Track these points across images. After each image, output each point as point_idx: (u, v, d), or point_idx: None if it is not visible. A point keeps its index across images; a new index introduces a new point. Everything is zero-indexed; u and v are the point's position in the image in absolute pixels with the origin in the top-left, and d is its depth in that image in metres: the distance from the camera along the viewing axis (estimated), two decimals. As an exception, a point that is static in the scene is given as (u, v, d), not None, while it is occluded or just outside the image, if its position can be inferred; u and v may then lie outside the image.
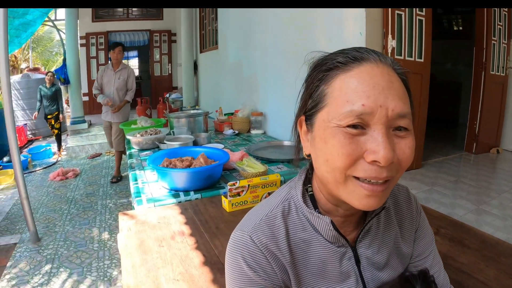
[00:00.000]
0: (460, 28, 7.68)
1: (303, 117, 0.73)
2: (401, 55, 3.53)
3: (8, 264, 3.32)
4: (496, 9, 4.84)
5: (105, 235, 3.74)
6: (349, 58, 0.65)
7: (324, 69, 0.68)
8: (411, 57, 3.68)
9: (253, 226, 0.75)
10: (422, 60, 3.80)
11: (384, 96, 0.61)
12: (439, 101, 7.19)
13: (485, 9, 4.72)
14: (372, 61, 0.64)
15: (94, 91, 5.28)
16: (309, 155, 0.75)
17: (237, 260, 0.73)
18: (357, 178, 0.62)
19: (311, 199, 0.78)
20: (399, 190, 0.91)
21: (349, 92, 0.62)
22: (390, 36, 3.23)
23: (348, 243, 0.77)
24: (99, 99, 5.20)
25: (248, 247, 0.72)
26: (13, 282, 3.01)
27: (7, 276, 3.11)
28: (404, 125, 0.62)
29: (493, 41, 4.92)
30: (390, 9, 3.10)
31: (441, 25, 7.90)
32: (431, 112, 7.14)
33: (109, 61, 5.33)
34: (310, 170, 0.81)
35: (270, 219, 0.75)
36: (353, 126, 0.60)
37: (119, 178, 5.70)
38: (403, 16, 3.36)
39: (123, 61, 5.38)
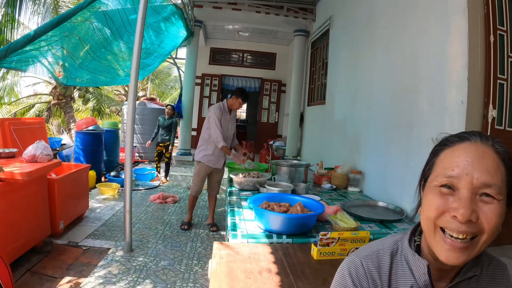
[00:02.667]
0: None
1: (422, 181, 0.92)
2: (501, 125, 3.43)
3: (99, 264, 3.66)
4: None
5: (193, 261, 3.93)
6: (456, 137, 0.85)
7: (438, 145, 0.88)
8: (501, 125, 3.57)
9: (366, 254, 0.93)
10: (516, 129, 3.66)
11: (472, 167, 0.77)
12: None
13: None
14: (472, 140, 0.82)
15: (220, 142, 4.61)
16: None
17: (344, 276, 0.92)
18: (443, 230, 0.80)
19: (417, 248, 0.92)
20: (498, 264, 0.98)
21: (448, 161, 0.82)
22: (491, 106, 3.19)
23: None
24: (235, 156, 4.64)
25: (357, 268, 0.91)
26: (100, 281, 3.31)
27: (96, 275, 3.43)
28: (490, 192, 0.76)
29: None
30: (492, 78, 3.08)
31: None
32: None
33: (225, 104, 4.86)
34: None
35: (381, 254, 0.93)
36: (445, 186, 0.80)
37: (216, 227, 5.10)
38: (505, 85, 3.30)
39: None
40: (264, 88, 11.68)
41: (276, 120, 11.74)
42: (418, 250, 0.92)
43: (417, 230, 0.96)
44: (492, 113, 3.38)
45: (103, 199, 6.28)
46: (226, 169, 4.82)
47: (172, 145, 8.10)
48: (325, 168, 4.48)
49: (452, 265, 0.81)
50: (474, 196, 0.76)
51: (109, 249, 4.10)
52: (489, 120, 3.38)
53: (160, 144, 8.11)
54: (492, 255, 0.99)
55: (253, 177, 3.64)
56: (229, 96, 4.88)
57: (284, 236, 2.34)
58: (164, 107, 9.00)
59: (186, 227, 5.03)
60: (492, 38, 2.96)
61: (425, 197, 0.85)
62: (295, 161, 4.40)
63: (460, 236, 0.77)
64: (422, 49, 3.25)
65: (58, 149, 7.35)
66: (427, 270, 0.86)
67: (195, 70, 8.73)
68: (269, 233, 2.38)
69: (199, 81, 11.00)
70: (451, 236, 0.77)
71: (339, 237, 2.04)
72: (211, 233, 4.94)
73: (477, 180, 0.76)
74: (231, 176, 3.72)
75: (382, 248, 0.94)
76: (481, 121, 3.33)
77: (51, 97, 12.36)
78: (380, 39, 4.19)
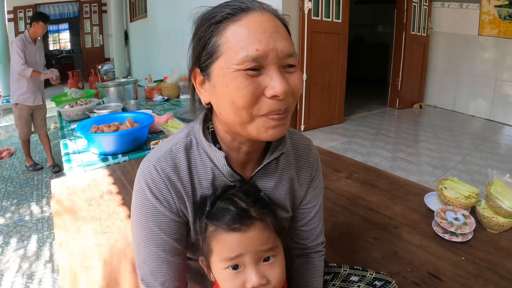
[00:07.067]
0: (389, -9, 7.88)
1: (197, 70, 0.78)
2: (318, 16, 3.68)
3: None
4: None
5: (43, 208, 3.73)
6: (236, 9, 0.71)
7: (214, 22, 0.72)
8: (329, 18, 3.84)
9: (159, 157, 0.81)
10: (340, 21, 3.97)
11: (273, 40, 0.69)
12: (368, 62, 7.49)
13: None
14: (257, 9, 0.72)
15: (26, 69, 4.23)
16: (208, 103, 0.81)
17: (142, 188, 0.80)
18: (263, 116, 0.71)
19: (212, 135, 0.85)
20: (301, 139, 1.00)
21: (242, 39, 0.68)
22: (306, -2, 3.37)
23: (242, 178, 0.87)
24: (46, 73, 4.36)
25: (152, 176, 0.79)
26: (-48, 263, 2.98)
27: None
28: (292, 62, 0.72)
29: (413, 3, 5.17)
30: (306, -28, 3.23)
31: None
32: (361, 72, 7.47)
33: (27, 35, 4.37)
34: (210, 114, 0.87)
35: (174, 152, 0.82)
36: (251, 69, 0.68)
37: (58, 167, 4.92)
38: (321, -22, 3.50)
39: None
40: (83, 11, 10.93)
41: (102, 43, 11.23)
42: (214, 136, 0.85)
43: (207, 116, 0.88)
44: (308, 5, 3.58)
45: None
46: (52, 104, 4.49)
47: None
48: (154, 81, 4.44)
49: (274, 140, 0.76)
50: (281, 69, 0.71)
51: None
52: (306, 12, 3.58)
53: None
54: (294, 130, 1.01)
55: (81, 105, 3.42)
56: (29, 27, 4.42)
57: (120, 155, 2.31)
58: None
59: (39, 166, 4.89)
60: None
61: (226, 86, 0.70)
62: (122, 80, 4.23)
63: (281, 113, 0.72)
64: None
65: None
66: (226, 161, 0.81)
67: (4, 4, 7.73)
68: (104, 156, 2.32)
69: (11, 16, 9.76)
70: (274, 114, 0.71)
71: (171, 143, 2.03)
72: (54, 174, 4.69)
73: (282, 53, 0.70)
74: (58, 109, 3.46)
75: (174, 144, 0.84)
76: (298, 13, 3.51)
77: None
78: None
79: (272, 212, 0.81)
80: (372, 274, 1.11)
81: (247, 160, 0.87)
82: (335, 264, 1.16)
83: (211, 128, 0.86)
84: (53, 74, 4.32)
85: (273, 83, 0.69)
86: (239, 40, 0.69)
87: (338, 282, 1.11)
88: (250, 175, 0.88)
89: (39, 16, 4.35)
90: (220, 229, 0.75)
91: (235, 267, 0.74)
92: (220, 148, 0.84)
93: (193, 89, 0.84)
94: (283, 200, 0.93)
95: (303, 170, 0.98)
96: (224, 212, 0.76)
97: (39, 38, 4.53)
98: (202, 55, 0.75)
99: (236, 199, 0.78)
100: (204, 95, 0.80)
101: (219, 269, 0.76)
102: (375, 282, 1.09)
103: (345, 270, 1.13)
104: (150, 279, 0.84)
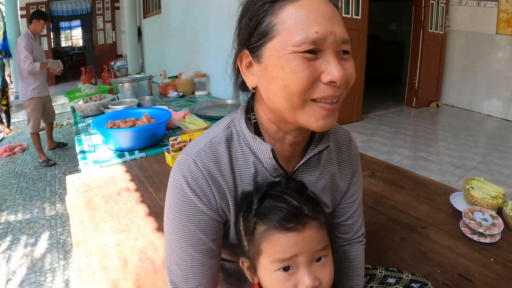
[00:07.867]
0: (405, -12, 7.78)
1: (245, 51, 0.73)
2: (348, 14, 3.63)
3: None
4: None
5: (57, 204, 3.70)
6: None
7: (268, 0, 0.68)
8: (348, 14, 3.78)
9: (198, 150, 0.76)
10: (359, 17, 3.92)
11: (331, 24, 0.65)
12: (383, 60, 7.41)
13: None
14: None
15: (34, 65, 4.34)
16: (254, 88, 0.76)
17: (179, 183, 0.75)
18: (314, 100, 0.67)
19: (254, 126, 0.79)
20: (342, 132, 0.95)
21: (301, 20, 0.64)
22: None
23: (286, 174, 0.80)
24: (53, 65, 4.60)
25: (191, 170, 0.74)
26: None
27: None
28: (347, 49, 0.68)
29: (431, 1, 5.09)
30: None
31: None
32: (376, 71, 7.39)
33: (29, 32, 4.48)
34: (252, 101, 0.82)
35: (214, 145, 0.77)
36: (309, 51, 0.64)
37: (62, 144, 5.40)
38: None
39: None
40: (96, 7, 10.91)
41: (114, 40, 11.23)
42: (256, 128, 0.79)
43: (248, 107, 0.82)
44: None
45: None
46: (66, 99, 4.54)
47: (5, 90, 7.17)
48: (169, 77, 4.41)
49: (324, 130, 0.71)
50: (337, 55, 0.67)
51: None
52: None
53: (-6, 92, 7.13)
54: None
55: (95, 100, 3.39)
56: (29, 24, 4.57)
57: (136, 151, 2.27)
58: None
59: (52, 162, 4.88)
60: None
61: (281, 68, 0.66)
62: (137, 75, 4.23)
63: (334, 100, 0.68)
64: None
65: None
66: (272, 154, 0.76)
67: (17, 1, 7.83)
68: (120, 152, 2.29)
69: (24, 12, 9.68)
70: (325, 102, 0.67)
71: (190, 139, 2.00)
72: (67, 171, 4.66)
73: (340, 38, 0.66)
74: (72, 104, 3.43)
75: (214, 137, 0.78)
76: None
77: None
78: None
79: (323, 210, 0.77)
80: (408, 276, 1.07)
81: (290, 153, 0.82)
82: (370, 266, 1.11)
83: (253, 119, 0.80)
84: (57, 65, 4.56)
85: (331, 68, 0.65)
86: (297, 21, 0.65)
87: (375, 285, 1.07)
88: (292, 169, 0.83)
89: (40, 14, 4.51)
90: (273, 229, 0.69)
91: (287, 268, 0.69)
92: (263, 140, 0.78)
93: (238, 73, 0.79)
94: (323, 196, 0.89)
95: (345, 164, 0.94)
96: (276, 210, 0.70)
97: (38, 34, 4.69)
98: (254, 35, 0.70)
99: (287, 196, 0.73)
100: (251, 79, 0.75)
101: (268, 271, 0.71)
102: (412, 284, 1.05)
103: (381, 272, 1.08)
104: (182, 284, 0.78)
